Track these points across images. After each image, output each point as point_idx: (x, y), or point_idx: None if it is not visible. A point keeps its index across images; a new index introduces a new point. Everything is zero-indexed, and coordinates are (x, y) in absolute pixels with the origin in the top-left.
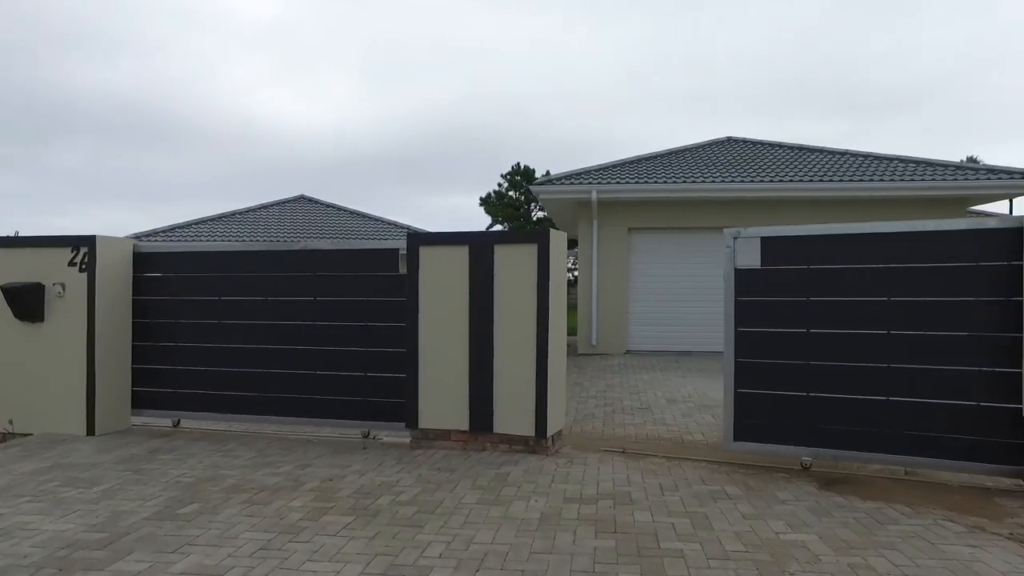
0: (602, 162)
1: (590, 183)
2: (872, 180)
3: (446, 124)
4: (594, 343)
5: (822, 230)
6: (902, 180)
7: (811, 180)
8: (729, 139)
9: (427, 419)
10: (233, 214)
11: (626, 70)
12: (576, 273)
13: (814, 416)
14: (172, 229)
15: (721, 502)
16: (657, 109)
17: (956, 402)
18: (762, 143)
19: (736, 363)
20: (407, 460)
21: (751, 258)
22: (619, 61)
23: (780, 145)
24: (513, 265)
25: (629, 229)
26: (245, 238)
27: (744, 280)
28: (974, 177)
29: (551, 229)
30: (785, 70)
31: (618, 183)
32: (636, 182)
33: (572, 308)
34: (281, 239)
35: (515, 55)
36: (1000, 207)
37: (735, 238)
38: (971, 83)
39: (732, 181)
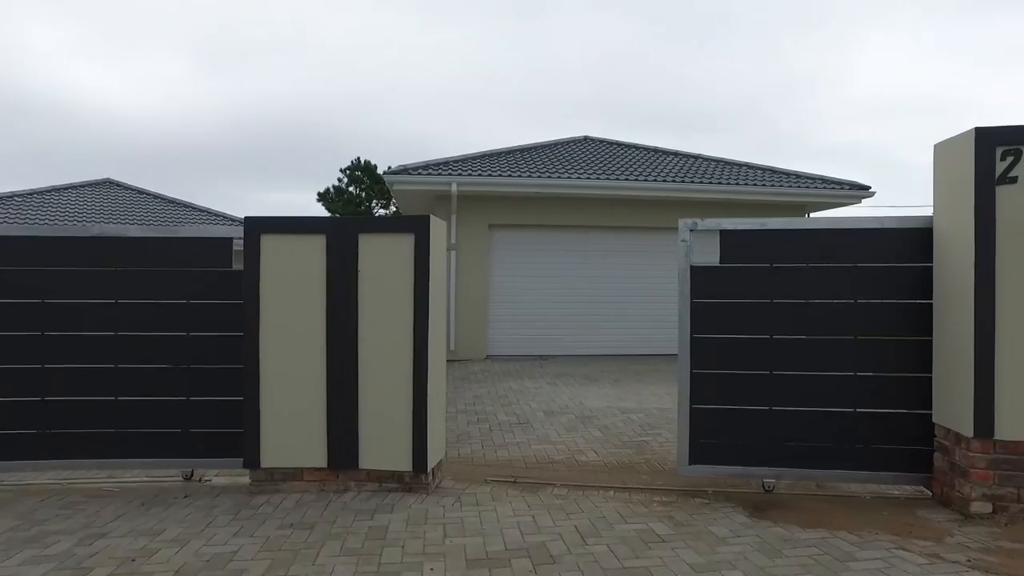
0: (457, 154)
1: (450, 174)
2: (731, 184)
3: (280, 117)
4: (452, 348)
5: (786, 224)
6: (753, 185)
7: (675, 181)
8: (586, 138)
9: (272, 455)
10: (12, 196)
11: (468, 72)
12: None
13: (777, 432)
14: None
15: (657, 547)
16: (498, 112)
17: (895, 411)
18: (619, 143)
19: (692, 375)
20: (247, 514)
21: (708, 254)
22: (460, 63)
23: (636, 146)
24: (384, 259)
25: (490, 226)
26: (28, 225)
27: (700, 279)
28: (812, 186)
29: (431, 216)
30: (609, 83)
31: (480, 175)
32: (499, 175)
33: None
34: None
35: (355, 50)
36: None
37: (691, 230)
38: (766, 110)
39: (599, 178)
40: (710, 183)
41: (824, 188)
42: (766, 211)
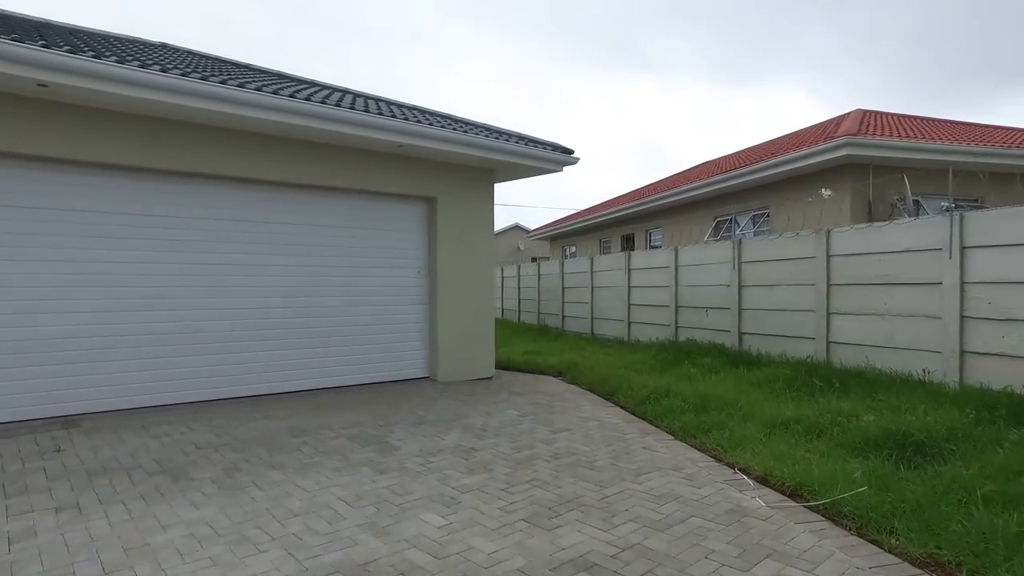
0: None
1: None
2: (421, 124)
3: None
4: None
5: None
6: (441, 128)
7: (344, 108)
8: (165, 45)
9: None
10: None
11: None
12: None
13: None
14: None
15: None
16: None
17: None
18: (229, 61)
19: None
20: None
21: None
22: None
23: (254, 67)
24: None
25: None
26: None
27: None
28: (519, 142)
29: None
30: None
31: None
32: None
33: None
34: None
35: None
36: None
37: None
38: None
39: (244, 89)
40: (428, 126)
41: (533, 147)
42: (453, 171)
